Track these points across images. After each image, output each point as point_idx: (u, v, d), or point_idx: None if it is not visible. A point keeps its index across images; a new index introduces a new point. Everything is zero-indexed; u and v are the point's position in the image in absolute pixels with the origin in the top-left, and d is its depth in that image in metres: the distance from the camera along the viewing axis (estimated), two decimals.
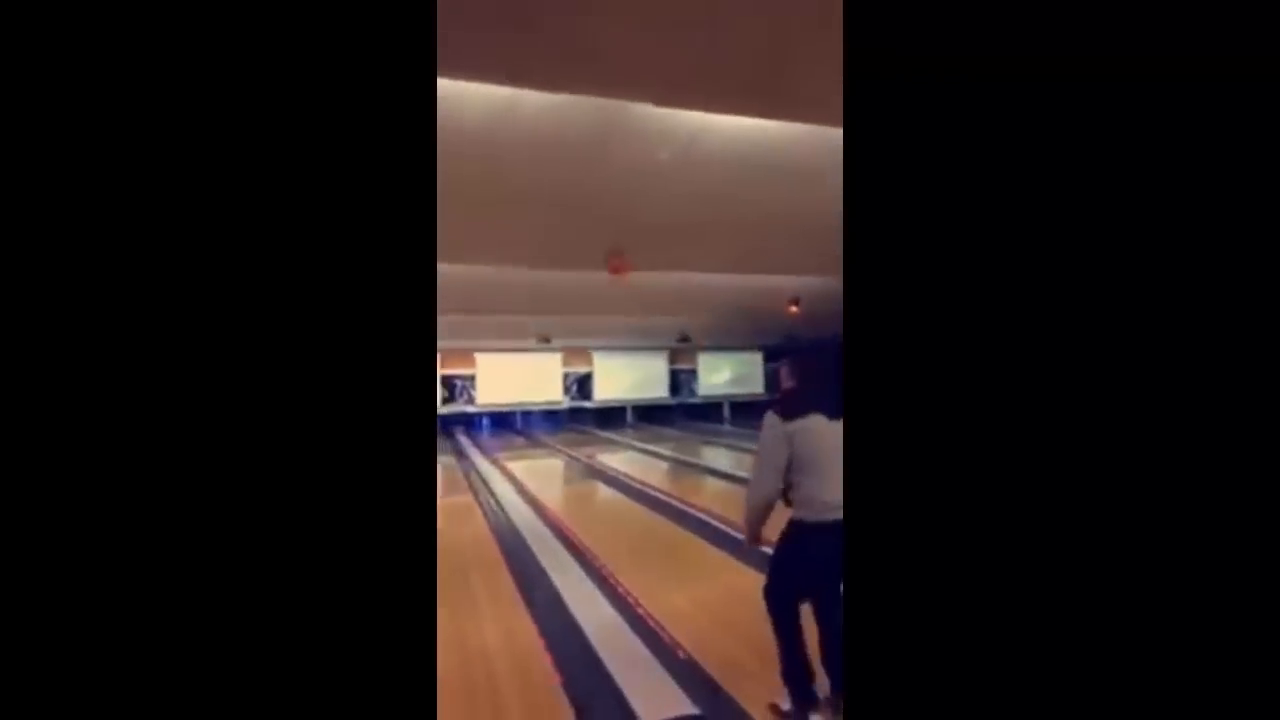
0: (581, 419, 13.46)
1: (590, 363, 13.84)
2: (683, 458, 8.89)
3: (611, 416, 13.68)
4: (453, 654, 2.52)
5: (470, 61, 2.64)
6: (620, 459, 8.73)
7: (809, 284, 8.51)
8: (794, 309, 9.44)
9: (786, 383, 2.03)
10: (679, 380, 14.64)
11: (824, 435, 1.83)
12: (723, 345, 14.49)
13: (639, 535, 4.52)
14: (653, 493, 5.96)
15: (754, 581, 2.45)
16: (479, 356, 12.95)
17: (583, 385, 13.81)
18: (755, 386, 15.04)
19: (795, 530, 1.91)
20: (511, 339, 12.19)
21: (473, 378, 13.00)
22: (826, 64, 1.66)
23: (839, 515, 1.75)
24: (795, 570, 1.93)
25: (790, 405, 1.89)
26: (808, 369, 2.01)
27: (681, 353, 14.36)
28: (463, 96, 3.37)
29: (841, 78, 0.82)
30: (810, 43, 2.37)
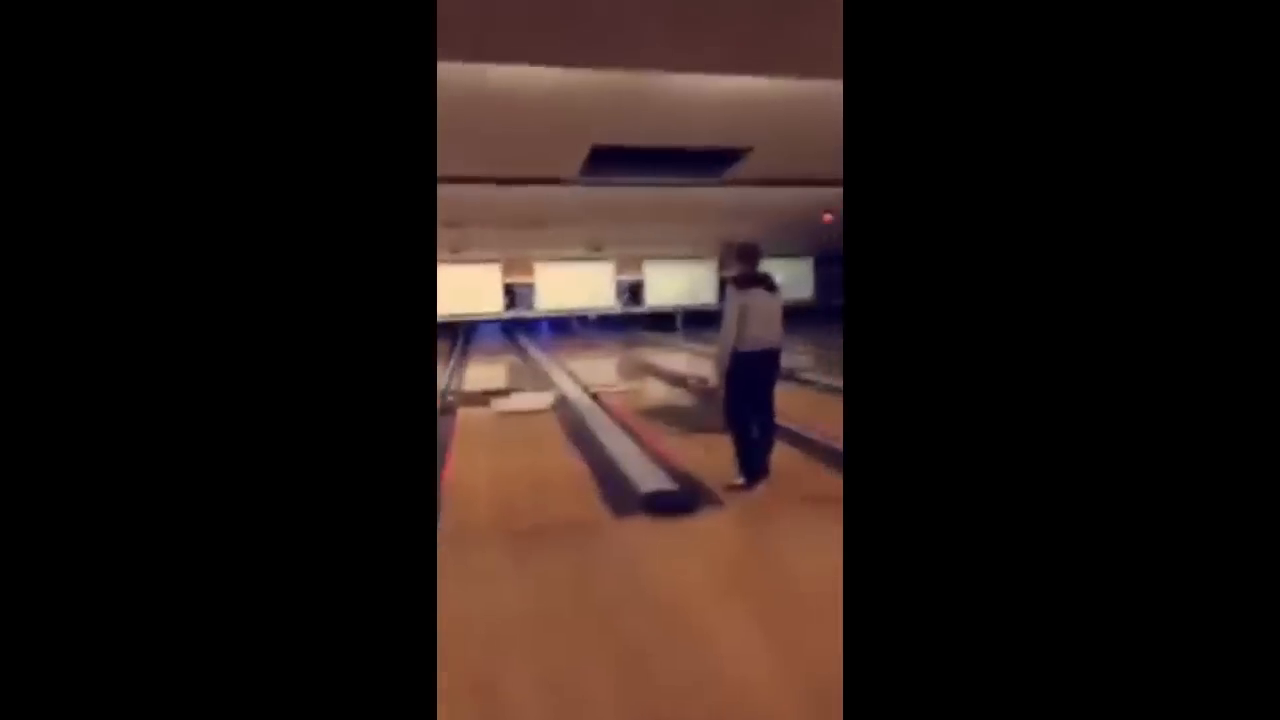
0: (633, 324, 14.50)
1: (641, 270, 14.70)
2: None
3: (661, 322, 14.65)
4: (527, 468, 3.70)
5: (470, 45, 3.24)
6: (668, 358, 9.74)
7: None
8: (828, 218, 9.94)
9: (736, 268, 3.22)
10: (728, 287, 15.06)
11: (761, 301, 3.13)
12: (774, 254, 14.34)
13: (673, 414, 5.56)
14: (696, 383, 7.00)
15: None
16: (537, 266, 14.01)
17: (634, 292, 14.76)
18: (805, 292, 14.46)
19: (739, 359, 3.12)
20: (565, 248, 13.07)
21: (532, 285, 14.14)
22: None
23: (766, 345, 3.10)
24: (743, 383, 3.16)
25: (742, 282, 3.17)
26: (751, 258, 3.20)
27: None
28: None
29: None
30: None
